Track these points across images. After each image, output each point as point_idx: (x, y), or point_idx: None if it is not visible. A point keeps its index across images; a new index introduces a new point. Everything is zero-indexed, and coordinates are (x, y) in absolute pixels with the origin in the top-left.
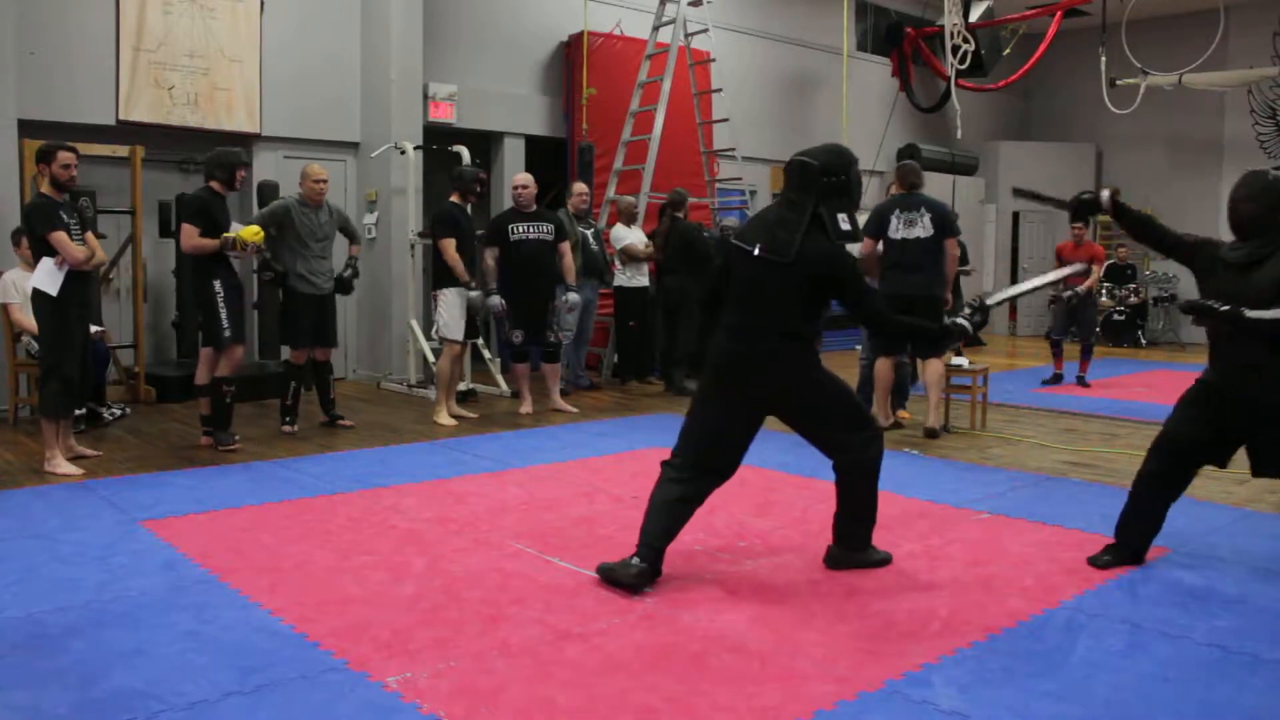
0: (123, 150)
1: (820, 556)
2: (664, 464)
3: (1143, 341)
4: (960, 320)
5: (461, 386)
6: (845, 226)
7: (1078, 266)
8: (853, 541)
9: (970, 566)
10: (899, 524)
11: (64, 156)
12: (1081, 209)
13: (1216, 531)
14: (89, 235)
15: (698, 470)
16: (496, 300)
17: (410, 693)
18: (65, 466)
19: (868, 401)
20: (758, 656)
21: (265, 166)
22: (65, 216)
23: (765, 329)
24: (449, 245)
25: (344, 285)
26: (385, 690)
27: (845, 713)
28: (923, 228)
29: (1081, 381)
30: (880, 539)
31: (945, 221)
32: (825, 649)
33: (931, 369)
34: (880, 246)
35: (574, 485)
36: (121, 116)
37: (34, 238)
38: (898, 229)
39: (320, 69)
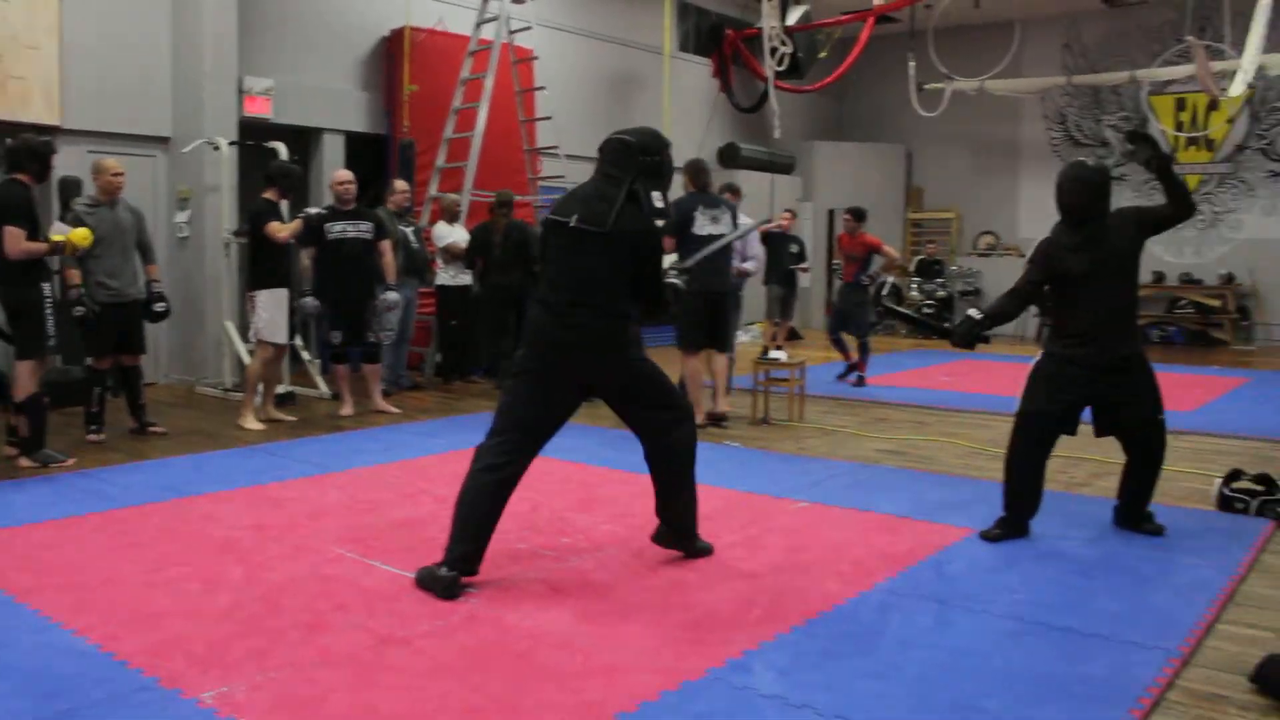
0: None
1: (644, 551)
2: (480, 448)
3: None
4: (672, 279)
5: (280, 389)
6: (658, 204)
7: (765, 220)
8: (675, 527)
9: (789, 554)
10: (720, 515)
11: None
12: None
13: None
14: None
15: (519, 450)
16: (311, 301)
17: (227, 707)
18: None
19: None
20: (582, 651)
21: (67, 161)
22: None
23: (585, 306)
24: (279, 228)
25: (153, 315)
26: (200, 706)
27: (669, 702)
28: (725, 225)
29: (860, 381)
30: (703, 530)
31: (734, 216)
32: (649, 640)
33: (718, 360)
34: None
35: (397, 487)
36: None
37: None
38: (704, 226)
39: (127, 59)
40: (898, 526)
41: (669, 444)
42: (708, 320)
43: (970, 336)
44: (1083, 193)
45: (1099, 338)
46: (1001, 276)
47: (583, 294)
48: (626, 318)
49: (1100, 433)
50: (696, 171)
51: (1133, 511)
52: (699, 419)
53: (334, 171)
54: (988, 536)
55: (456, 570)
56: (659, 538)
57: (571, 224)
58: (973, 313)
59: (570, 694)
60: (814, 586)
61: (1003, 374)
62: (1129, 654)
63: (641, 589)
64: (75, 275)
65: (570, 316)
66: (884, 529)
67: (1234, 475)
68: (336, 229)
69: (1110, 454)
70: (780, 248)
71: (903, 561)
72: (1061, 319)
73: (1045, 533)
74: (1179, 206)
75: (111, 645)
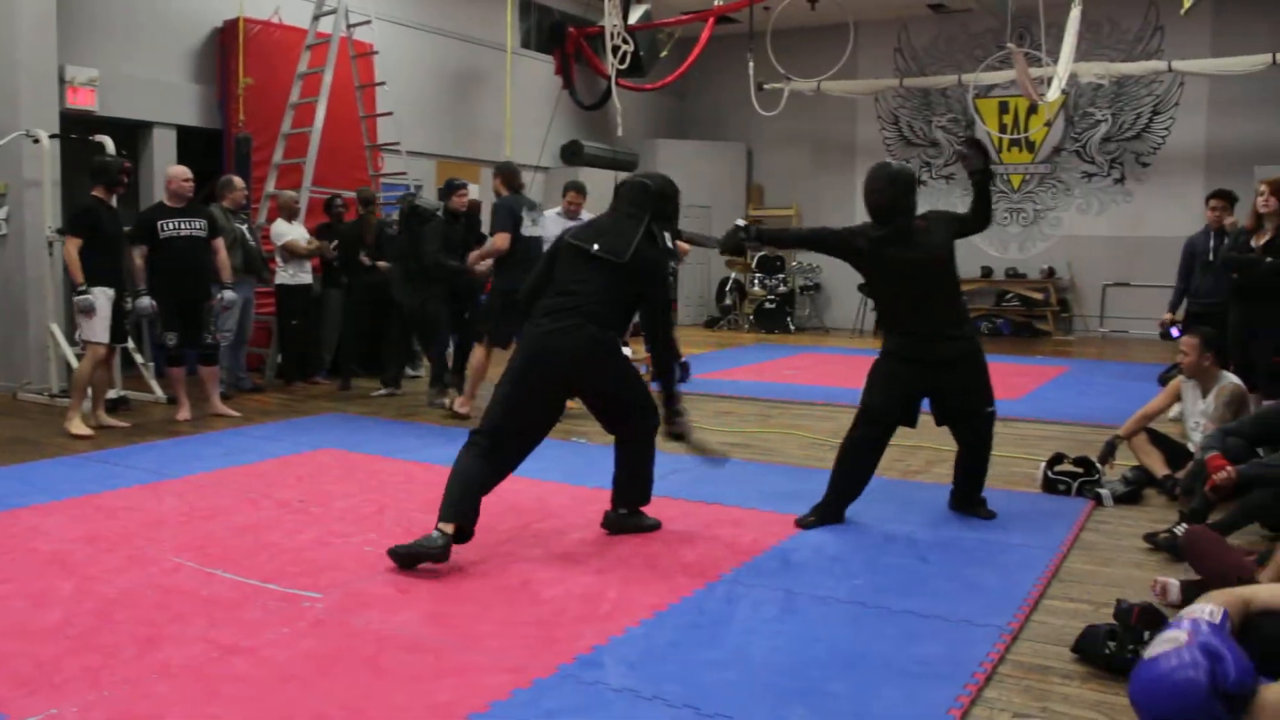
0: None
1: (491, 548)
2: (472, 433)
3: (791, 328)
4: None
5: (112, 394)
6: (669, 244)
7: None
8: (630, 502)
9: (638, 548)
10: (568, 511)
11: None
12: (728, 248)
13: (858, 499)
14: None
15: (498, 445)
16: (146, 301)
17: None
18: None
19: None
20: (432, 653)
21: None
22: None
23: (588, 321)
24: (72, 244)
25: None
26: None
27: (520, 700)
28: (541, 227)
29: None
30: (551, 526)
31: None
32: (499, 640)
33: (475, 355)
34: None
35: (237, 492)
36: None
37: None
38: (527, 227)
39: None
40: (743, 518)
41: (644, 439)
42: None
43: (734, 241)
44: (887, 191)
45: (925, 334)
46: (840, 272)
47: (589, 312)
48: (620, 333)
49: (939, 422)
50: (511, 174)
51: (966, 496)
52: (465, 409)
53: (168, 167)
54: (803, 523)
55: (449, 534)
56: (608, 523)
57: (594, 250)
58: (740, 222)
59: (421, 696)
60: (662, 580)
61: (844, 367)
62: (963, 632)
63: (491, 588)
64: None
65: (574, 331)
66: (730, 521)
67: (1056, 459)
68: (170, 227)
69: (944, 442)
70: None
71: (748, 552)
72: (887, 318)
73: (885, 519)
74: (979, 220)
75: None
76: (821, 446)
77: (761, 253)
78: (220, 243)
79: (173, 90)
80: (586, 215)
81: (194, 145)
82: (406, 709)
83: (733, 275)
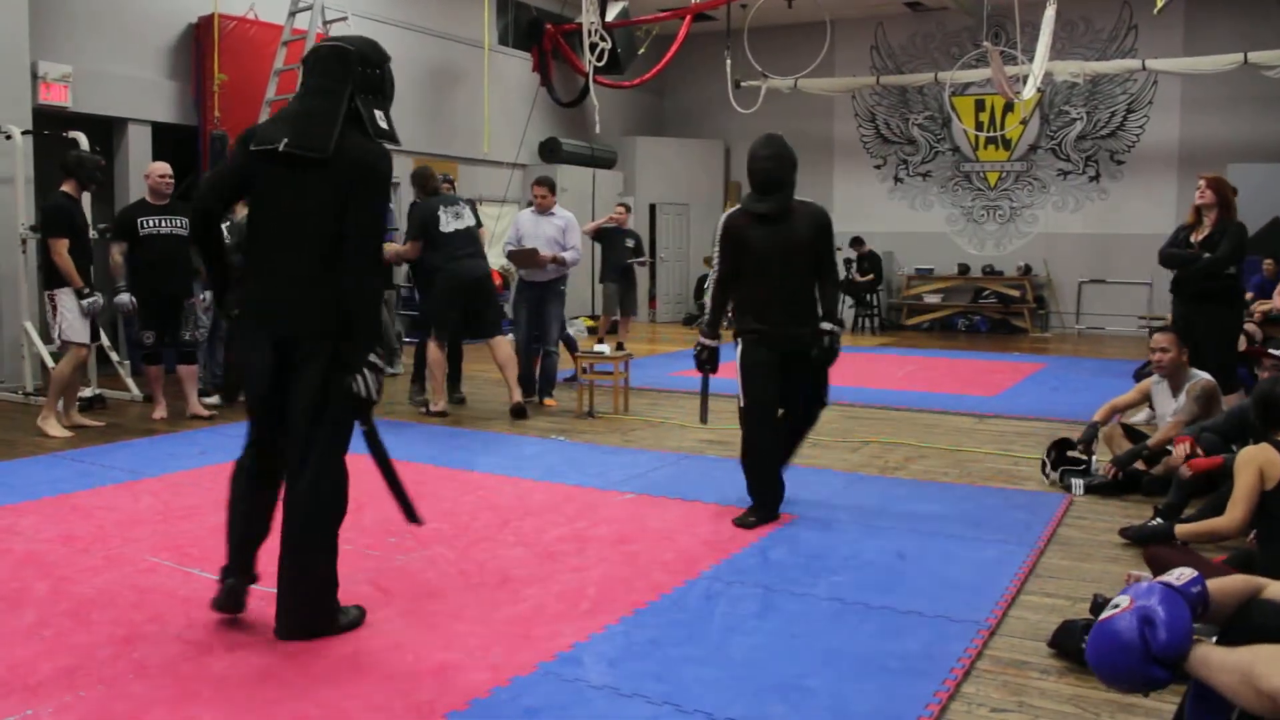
0: None
1: (469, 546)
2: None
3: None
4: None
5: (87, 393)
6: (383, 124)
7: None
8: None
9: (616, 545)
10: (547, 509)
11: None
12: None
13: (834, 495)
14: None
15: (267, 459)
16: (125, 298)
17: None
18: None
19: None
20: (412, 651)
21: None
22: None
23: (301, 268)
24: (60, 246)
25: None
26: None
27: (500, 699)
28: (467, 218)
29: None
30: (530, 524)
31: (474, 210)
32: (479, 638)
33: (501, 349)
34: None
35: (214, 492)
36: None
37: None
38: (449, 223)
39: None
40: (723, 515)
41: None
42: (461, 308)
43: (715, 362)
44: (770, 160)
45: (778, 319)
46: None
47: (299, 252)
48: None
49: (781, 404)
50: (425, 179)
51: None
52: (439, 406)
53: (149, 164)
54: (744, 524)
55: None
56: None
57: (281, 148)
58: (705, 341)
59: (401, 695)
60: (641, 577)
61: None
62: (942, 628)
63: (470, 586)
64: None
65: (291, 285)
66: (709, 518)
67: (1065, 443)
68: (150, 224)
69: (924, 438)
70: (615, 243)
71: (727, 549)
72: (743, 295)
73: (863, 516)
74: (820, 283)
75: None
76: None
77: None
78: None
79: (147, 86)
80: (559, 210)
81: (170, 142)
82: (386, 708)
83: (710, 272)
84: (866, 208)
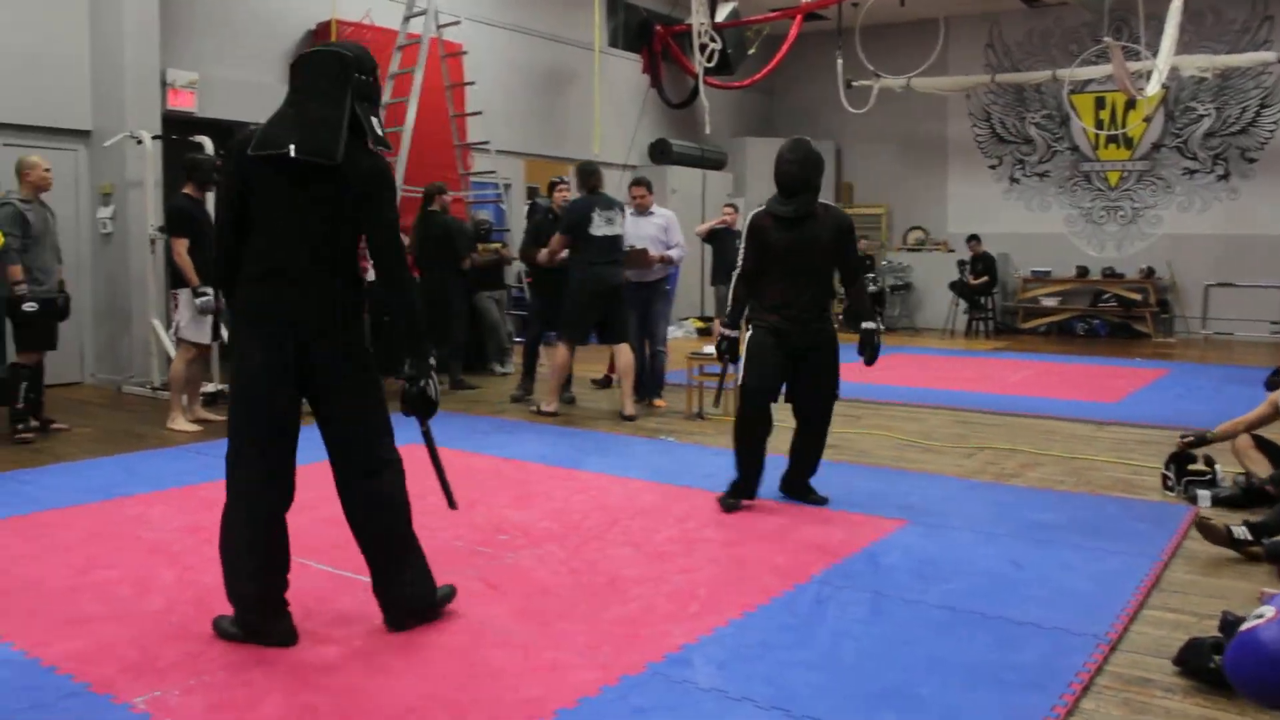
0: None
1: (579, 546)
2: (234, 466)
3: (881, 327)
4: None
5: (210, 388)
6: (380, 131)
7: None
8: None
9: (725, 547)
10: (657, 510)
11: None
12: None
13: (947, 501)
14: None
15: (277, 472)
16: (208, 298)
17: (161, 712)
18: None
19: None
20: (522, 648)
21: None
22: None
23: (311, 273)
24: (180, 246)
25: (62, 313)
26: (133, 712)
27: (609, 698)
28: (618, 225)
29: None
30: (639, 525)
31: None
32: (588, 636)
33: (624, 357)
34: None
35: (328, 486)
36: None
37: None
38: (600, 227)
39: (45, 51)
40: (832, 519)
41: (380, 483)
42: (599, 314)
43: (735, 352)
44: (795, 164)
45: (794, 313)
46: (932, 270)
47: (310, 258)
48: (362, 300)
49: (790, 398)
50: (588, 175)
51: (797, 482)
52: (550, 407)
53: None
54: (725, 503)
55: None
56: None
57: (292, 154)
58: (725, 332)
59: (511, 691)
60: (750, 580)
61: (935, 368)
62: (1060, 641)
63: (579, 585)
64: (17, 271)
65: (305, 293)
66: (818, 521)
67: (1187, 458)
68: None
69: (1040, 445)
70: (726, 244)
71: (837, 553)
72: (761, 290)
73: (977, 523)
74: (847, 286)
75: (38, 651)
76: (911, 448)
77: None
78: None
79: (268, 91)
80: (658, 209)
81: None
82: (496, 703)
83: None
84: (981, 209)
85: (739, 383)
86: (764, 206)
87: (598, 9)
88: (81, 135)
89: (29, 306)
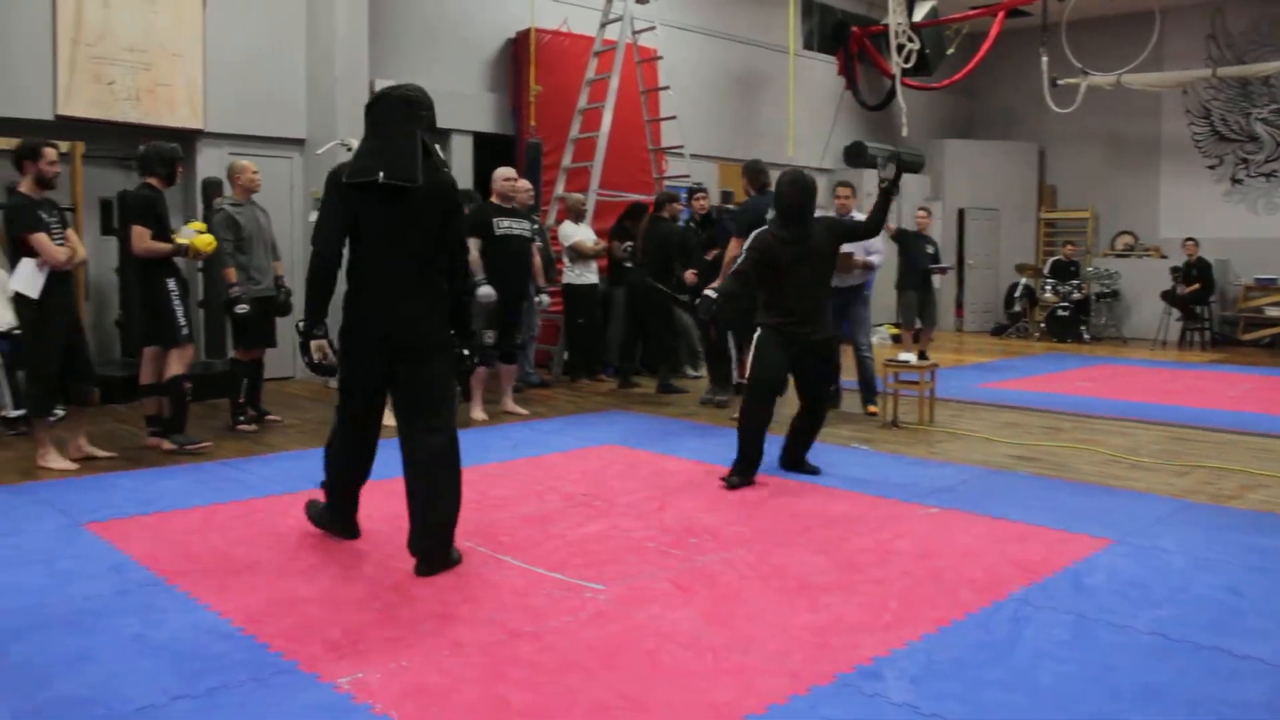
0: (62, 146)
1: (769, 551)
2: (337, 438)
3: (1086, 337)
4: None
5: None
6: (441, 155)
7: None
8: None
9: (920, 560)
10: (850, 519)
11: (50, 153)
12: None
13: (1158, 522)
14: (70, 234)
15: (369, 447)
16: (489, 290)
17: (362, 693)
18: (58, 462)
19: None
20: (710, 652)
21: (209, 163)
22: (45, 216)
23: (408, 279)
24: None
25: (283, 309)
26: (337, 691)
27: (797, 707)
28: None
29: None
30: (831, 532)
31: None
32: (777, 643)
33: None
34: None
35: (525, 483)
36: (60, 111)
37: (12, 239)
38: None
39: (264, 64)
40: (1032, 535)
41: (433, 444)
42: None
43: (710, 313)
44: (797, 195)
45: (799, 316)
46: (1142, 278)
47: (409, 269)
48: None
49: (799, 388)
50: (756, 173)
51: (796, 457)
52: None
53: (496, 170)
54: (729, 484)
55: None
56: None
57: (381, 179)
58: (709, 292)
59: (698, 694)
60: (946, 594)
61: (1144, 380)
62: None
63: (769, 591)
64: (233, 274)
65: (405, 299)
66: (1017, 537)
67: None
68: (503, 225)
69: (1262, 465)
70: (916, 248)
71: (1038, 571)
72: (770, 299)
73: (1192, 546)
74: (871, 228)
75: (254, 628)
76: (1118, 464)
77: (1055, 257)
78: (535, 246)
79: (469, 99)
80: (857, 214)
81: (489, 151)
82: (685, 706)
83: (1022, 281)
84: (1197, 212)
85: (745, 376)
86: (766, 228)
87: (793, 11)
88: (296, 144)
89: (241, 309)
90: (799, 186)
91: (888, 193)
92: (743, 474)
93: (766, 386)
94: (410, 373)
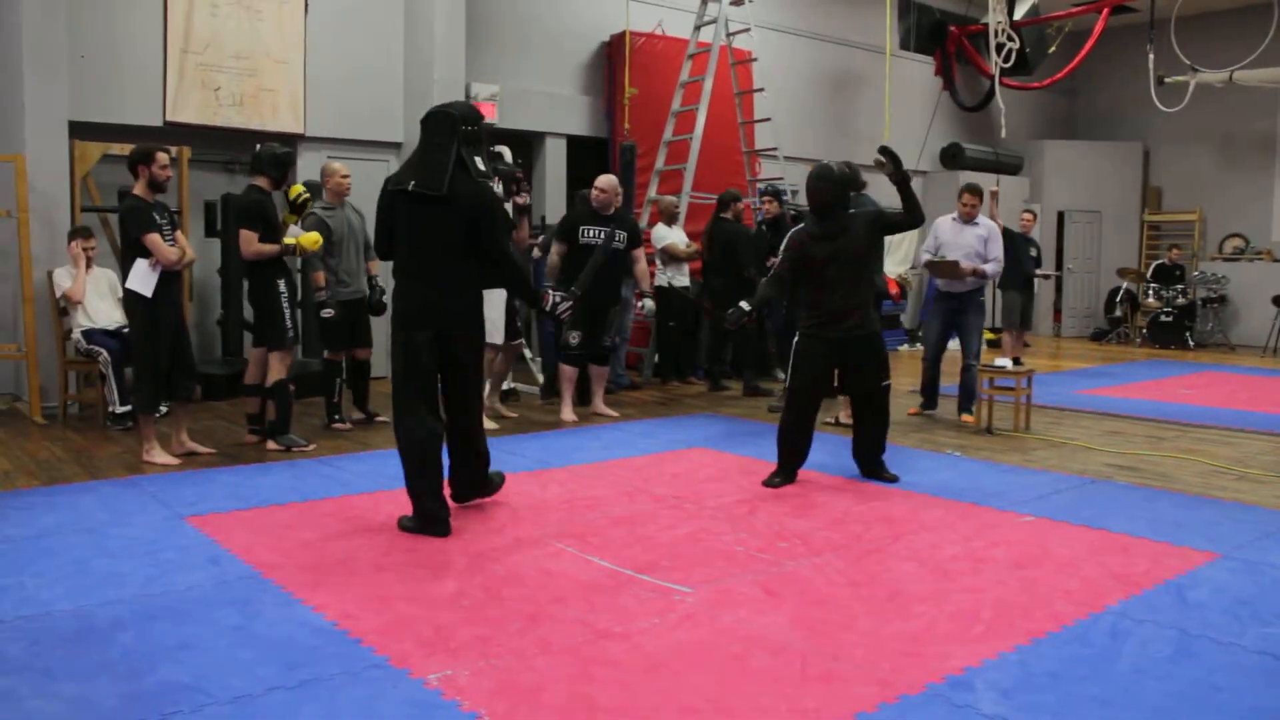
0: (171, 151)
1: (860, 557)
2: (407, 414)
3: (1190, 343)
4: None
5: (504, 385)
6: (482, 166)
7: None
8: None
9: (1014, 569)
10: (942, 526)
11: (162, 157)
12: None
13: (1267, 537)
14: (179, 235)
15: (436, 413)
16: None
17: (451, 690)
18: (162, 456)
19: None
20: (799, 658)
21: (309, 167)
22: (158, 218)
23: (453, 277)
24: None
25: (376, 308)
26: (426, 687)
27: (886, 715)
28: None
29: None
30: (924, 540)
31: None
32: (866, 651)
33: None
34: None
35: (615, 485)
36: (168, 118)
37: (128, 240)
38: None
39: (363, 69)
40: (1132, 546)
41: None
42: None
43: (737, 323)
44: (826, 191)
45: (839, 315)
46: (1252, 283)
47: (447, 264)
48: (480, 294)
49: (842, 391)
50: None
51: (869, 463)
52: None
53: (599, 177)
54: (770, 484)
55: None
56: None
57: (410, 189)
58: (744, 305)
59: (785, 700)
60: (1040, 605)
61: (1251, 388)
62: None
63: (859, 598)
64: (321, 278)
65: (446, 289)
66: (1117, 548)
67: None
68: (590, 233)
69: None
70: (1020, 251)
71: (1138, 584)
72: (809, 299)
73: None
74: (910, 217)
75: (346, 623)
76: (1223, 474)
77: (1159, 260)
78: (641, 252)
79: (563, 102)
80: (983, 219)
81: (583, 153)
82: (771, 710)
83: (1124, 285)
84: None
85: (785, 385)
86: (802, 225)
87: (889, 11)
88: (393, 147)
89: (326, 313)
90: (826, 181)
91: (901, 182)
92: (782, 475)
93: (802, 396)
94: (450, 362)
